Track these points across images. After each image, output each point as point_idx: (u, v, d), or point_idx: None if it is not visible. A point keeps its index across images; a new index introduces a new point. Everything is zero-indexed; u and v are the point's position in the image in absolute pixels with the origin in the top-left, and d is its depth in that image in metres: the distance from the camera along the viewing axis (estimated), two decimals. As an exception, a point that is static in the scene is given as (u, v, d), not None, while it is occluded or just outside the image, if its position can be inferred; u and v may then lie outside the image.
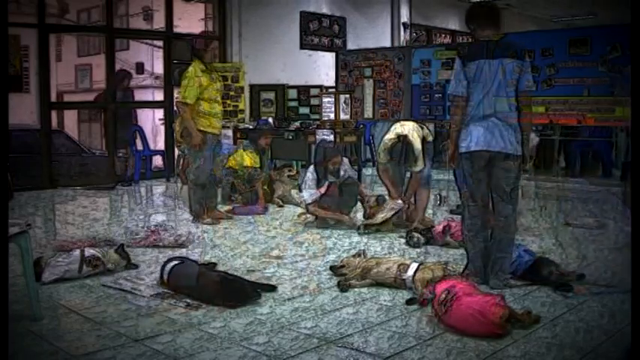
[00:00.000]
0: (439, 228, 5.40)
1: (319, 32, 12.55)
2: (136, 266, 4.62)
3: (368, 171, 10.99)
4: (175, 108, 9.37)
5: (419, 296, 3.81)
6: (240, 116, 10.55)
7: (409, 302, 3.79)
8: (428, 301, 3.69)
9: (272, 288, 4.07)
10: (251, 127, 9.63)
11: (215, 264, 4.67)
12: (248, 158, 7.23)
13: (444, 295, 3.40)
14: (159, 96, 12.19)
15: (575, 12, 16.75)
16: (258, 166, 7.22)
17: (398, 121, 6.17)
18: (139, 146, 10.09)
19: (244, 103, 10.72)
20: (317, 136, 8.13)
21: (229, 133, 9.27)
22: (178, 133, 9.26)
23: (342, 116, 8.13)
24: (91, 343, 3.19)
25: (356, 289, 4.10)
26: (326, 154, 6.18)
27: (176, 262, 4.20)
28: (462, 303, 3.28)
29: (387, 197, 6.06)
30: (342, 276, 4.27)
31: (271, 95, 11.04)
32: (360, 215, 6.27)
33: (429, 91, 9.64)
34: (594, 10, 16.02)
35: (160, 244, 5.33)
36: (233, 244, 5.49)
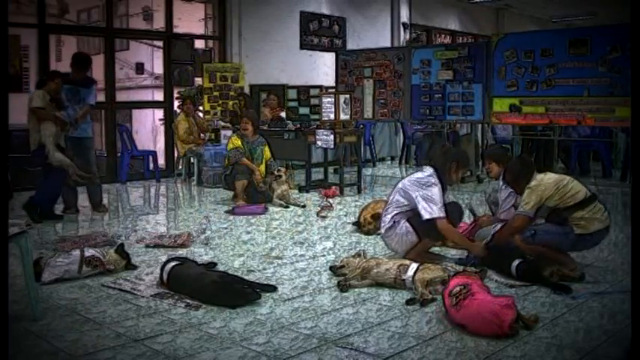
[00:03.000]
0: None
1: (319, 32, 12.56)
2: (135, 266, 4.61)
3: (368, 171, 11.01)
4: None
5: (419, 296, 3.82)
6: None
7: (409, 302, 3.80)
8: (429, 300, 3.70)
9: (272, 288, 4.07)
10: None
11: (215, 264, 4.67)
12: (231, 142, 7.74)
13: (458, 288, 3.41)
14: (159, 96, 12.17)
15: (575, 12, 16.77)
16: (240, 147, 7.63)
17: None
18: (127, 147, 10.04)
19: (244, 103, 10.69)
20: (317, 136, 8.11)
21: (228, 133, 9.29)
22: (182, 133, 9.29)
23: (342, 116, 8.11)
24: (91, 343, 3.18)
25: (356, 289, 4.10)
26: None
27: (176, 262, 4.20)
28: (476, 299, 3.30)
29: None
30: (342, 276, 4.27)
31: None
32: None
33: (428, 92, 9.63)
34: (594, 10, 16.04)
35: (160, 243, 5.33)
36: (233, 244, 5.50)
